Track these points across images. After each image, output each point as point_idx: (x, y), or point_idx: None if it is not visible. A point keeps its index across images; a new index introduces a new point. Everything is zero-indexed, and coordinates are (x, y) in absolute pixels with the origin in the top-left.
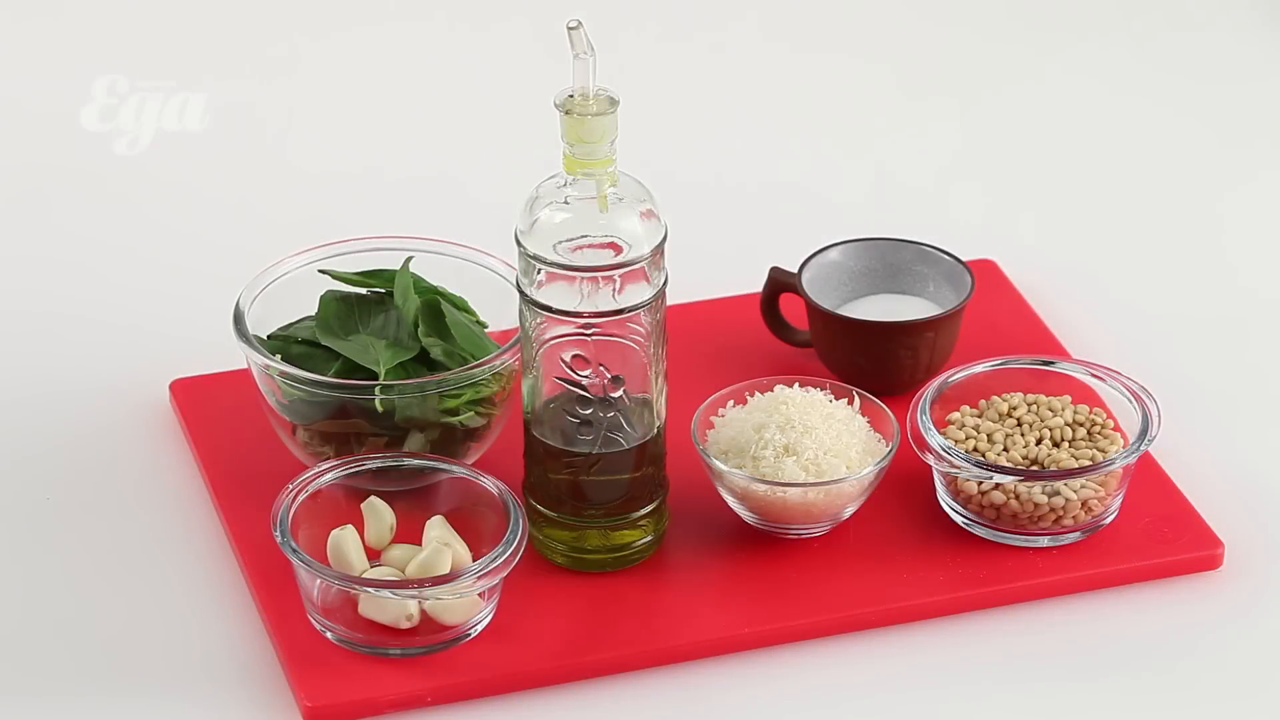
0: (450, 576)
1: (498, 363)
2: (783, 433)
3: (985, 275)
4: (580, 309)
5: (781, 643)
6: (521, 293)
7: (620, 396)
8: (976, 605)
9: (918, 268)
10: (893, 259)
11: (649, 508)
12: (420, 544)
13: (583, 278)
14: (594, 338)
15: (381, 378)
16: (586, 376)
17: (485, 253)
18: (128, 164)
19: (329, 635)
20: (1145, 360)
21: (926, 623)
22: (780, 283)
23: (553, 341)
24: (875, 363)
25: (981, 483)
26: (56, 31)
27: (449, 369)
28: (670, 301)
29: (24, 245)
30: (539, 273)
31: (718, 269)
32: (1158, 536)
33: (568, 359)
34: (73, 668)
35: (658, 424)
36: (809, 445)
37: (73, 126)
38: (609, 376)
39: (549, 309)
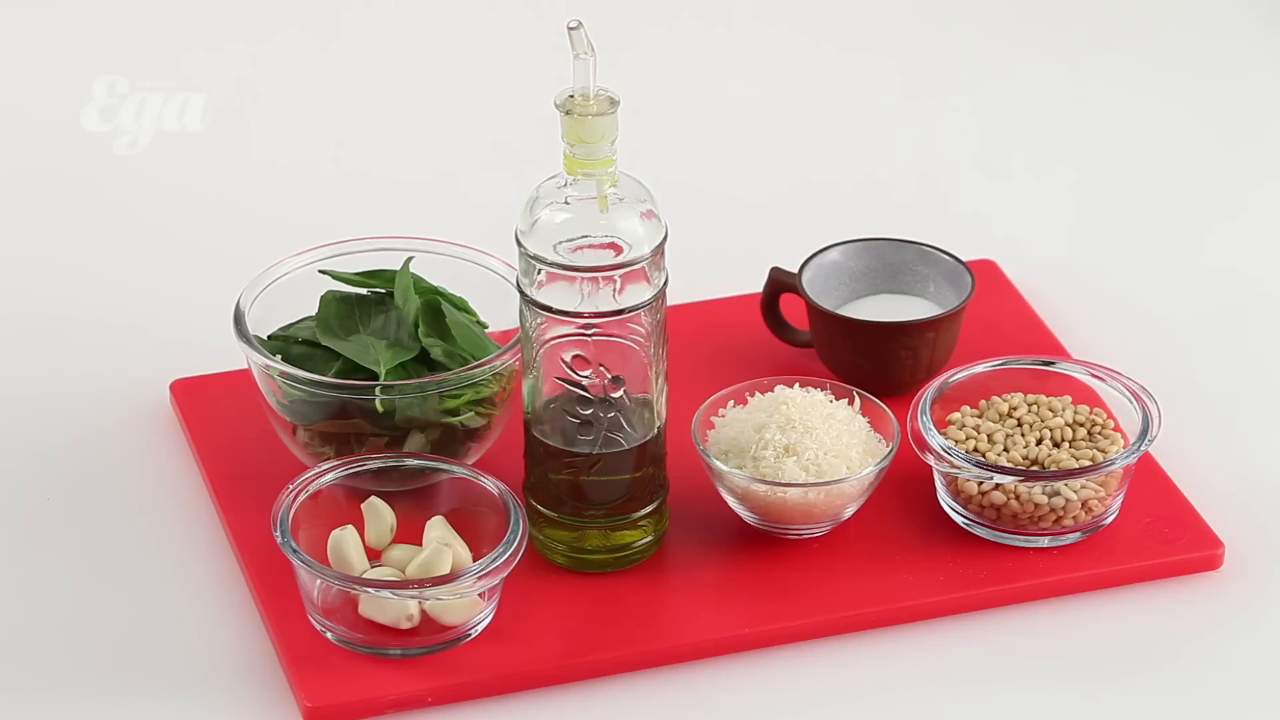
0: (450, 577)
1: (498, 363)
2: (783, 433)
3: (985, 275)
4: (580, 309)
5: (781, 643)
6: (522, 293)
7: (620, 397)
8: (976, 605)
9: (918, 268)
10: (893, 259)
11: (649, 508)
12: (420, 544)
13: (583, 278)
14: (594, 338)
15: (382, 378)
16: (587, 377)
17: (485, 253)
18: (128, 164)
19: (329, 635)
20: (1145, 360)
21: (926, 623)
22: (780, 283)
23: (553, 342)
24: (876, 363)
25: (982, 483)
26: (56, 31)
27: (449, 369)
28: (670, 302)
29: (24, 245)
30: (539, 273)
31: (718, 269)
32: (1158, 536)
33: (568, 359)
34: (73, 667)
35: (658, 424)
36: (809, 445)
37: (73, 126)
38: (609, 377)
39: (549, 309)
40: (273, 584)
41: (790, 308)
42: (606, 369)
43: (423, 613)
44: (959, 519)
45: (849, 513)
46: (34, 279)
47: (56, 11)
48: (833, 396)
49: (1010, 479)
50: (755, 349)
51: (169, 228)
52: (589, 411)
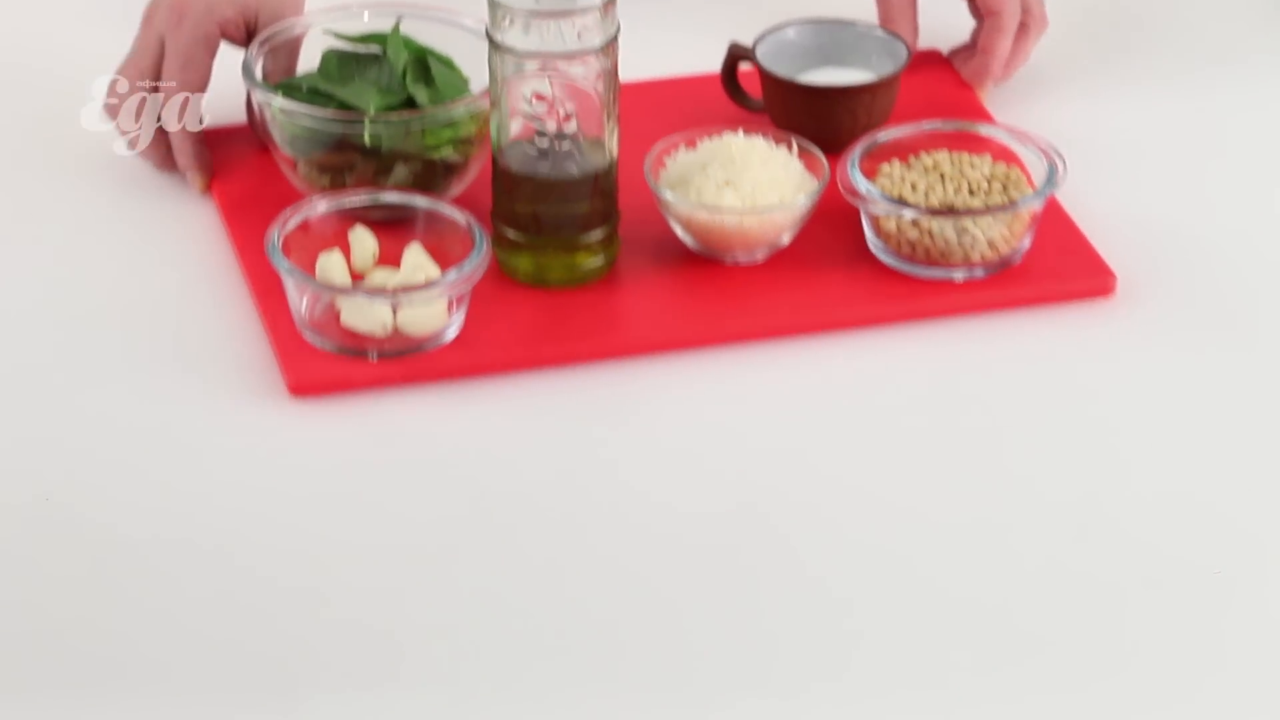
0: (422, 285)
1: (473, 104)
2: (724, 169)
3: (929, 60)
4: (540, 49)
5: (723, 342)
6: (490, 39)
7: (575, 132)
8: (895, 319)
9: (862, 44)
10: (841, 36)
11: (601, 232)
12: (399, 267)
13: (543, 20)
14: (552, 77)
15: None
16: (544, 110)
17: (469, 18)
18: (128, 164)
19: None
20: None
21: (850, 332)
22: (739, 54)
23: (515, 80)
24: (819, 122)
25: (899, 220)
26: (57, 32)
27: None
28: (635, 78)
29: (24, 244)
30: (505, 19)
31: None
32: (1059, 271)
33: (528, 95)
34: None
35: (609, 158)
36: (747, 179)
37: (73, 126)
38: (564, 111)
39: (512, 50)
40: (272, 293)
41: (748, 83)
42: (562, 104)
43: (396, 329)
44: (884, 258)
45: (785, 240)
46: (34, 279)
47: (57, 11)
48: (773, 142)
49: (917, 213)
50: (713, 119)
51: None
52: (546, 144)
